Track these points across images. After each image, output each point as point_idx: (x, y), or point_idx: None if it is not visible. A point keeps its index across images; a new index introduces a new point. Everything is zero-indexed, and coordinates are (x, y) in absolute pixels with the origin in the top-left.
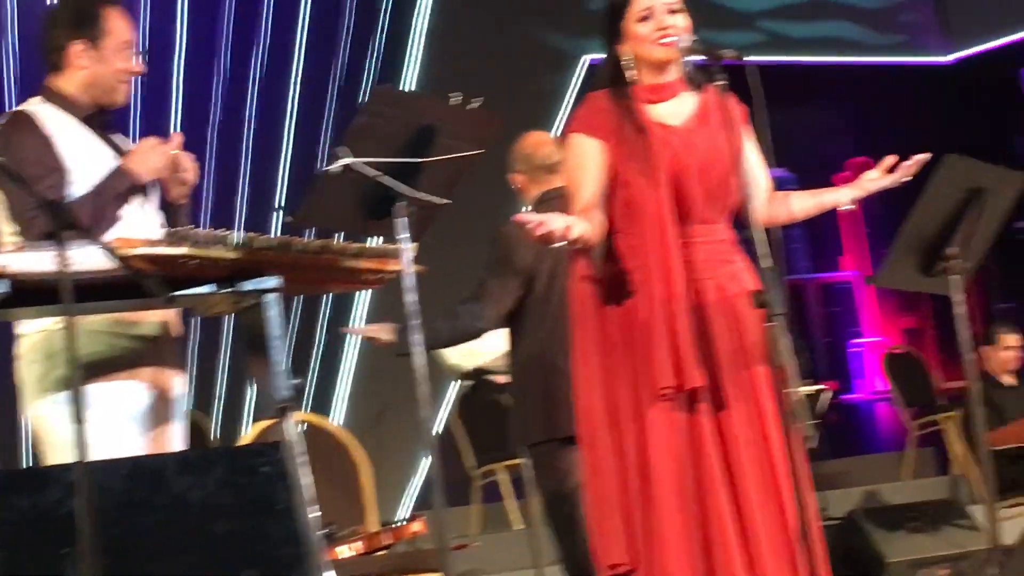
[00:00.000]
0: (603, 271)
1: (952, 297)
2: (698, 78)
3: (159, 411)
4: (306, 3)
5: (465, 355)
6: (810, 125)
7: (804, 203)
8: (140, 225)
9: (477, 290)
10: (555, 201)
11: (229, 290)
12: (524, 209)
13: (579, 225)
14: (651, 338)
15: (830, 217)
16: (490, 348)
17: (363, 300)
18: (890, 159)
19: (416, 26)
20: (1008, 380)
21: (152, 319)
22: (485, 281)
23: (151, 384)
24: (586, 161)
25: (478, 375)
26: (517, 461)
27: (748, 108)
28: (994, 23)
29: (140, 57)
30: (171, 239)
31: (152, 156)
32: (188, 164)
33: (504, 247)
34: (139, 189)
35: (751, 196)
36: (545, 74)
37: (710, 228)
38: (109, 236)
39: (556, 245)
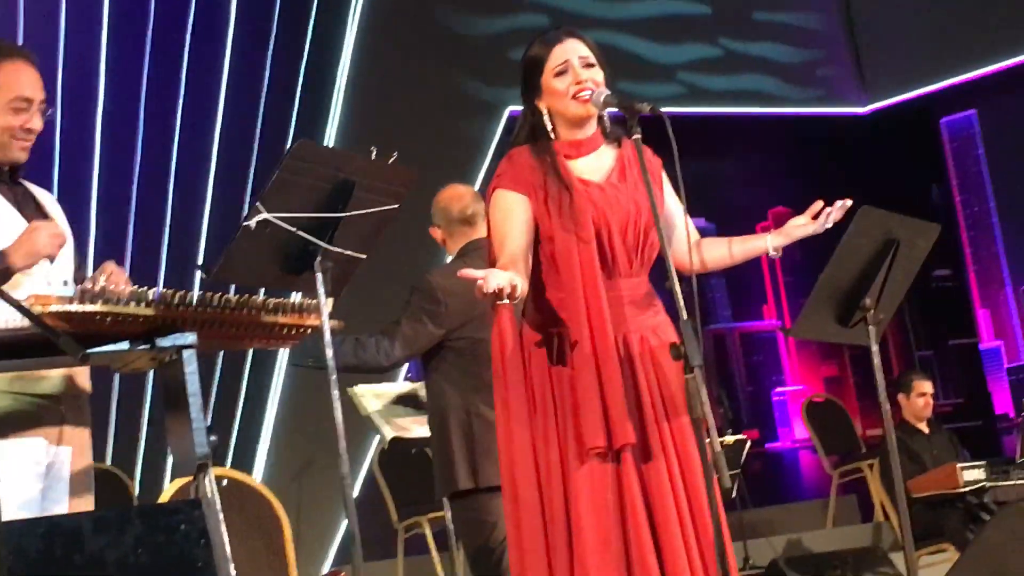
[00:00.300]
0: (528, 325)
1: (869, 347)
2: (615, 132)
3: (62, 469)
4: (228, 56)
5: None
6: (731, 175)
7: (732, 250)
8: (48, 280)
9: (390, 328)
10: (475, 253)
11: (145, 347)
12: (447, 260)
13: (520, 281)
14: (579, 394)
15: (751, 266)
16: (406, 410)
17: (284, 354)
18: (816, 205)
19: (338, 79)
20: (924, 427)
21: (55, 376)
22: (400, 322)
23: (54, 442)
24: (511, 215)
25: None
26: (440, 513)
27: (662, 160)
28: (909, 75)
29: (42, 114)
30: (86, 296)
31: (36, 240)
32: (118, 279)
33: (429, 296)
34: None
35: (673, 248)
36: (468, 124)
37: (633, 282)
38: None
39: (501, 302)
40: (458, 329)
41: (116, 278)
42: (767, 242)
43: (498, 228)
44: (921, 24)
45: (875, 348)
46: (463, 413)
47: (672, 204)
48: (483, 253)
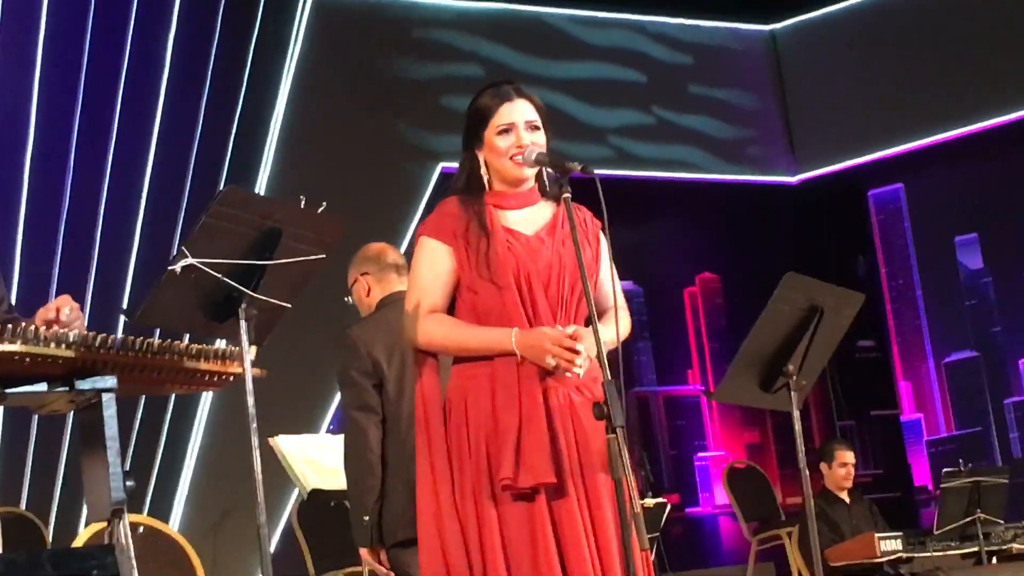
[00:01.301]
0: (452, 378)
1: (791, 413)
2: (554, 190)
3: None
4: (162, 97)
5: (324, 479)
6: (660, 240)
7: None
8: None
9: (348, 425)
10: (394, 305)
11: (64, 389)
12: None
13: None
14: (499, 433)
15: (677, 330)
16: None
17: (206, 402)
18: None
19: (272, 124)
20: (845, 496)
21: None
22: (348, 412)
23: None
24: (434, 264)
25: (321, 495)
26: (358, 568)
27: (602, 222)
28: (838, 146)
29: None
30: (4, 335)
31: None
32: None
33: (349, 348)
34: None
35: (601, 308)
36: (401, 175)
37: None
38: None
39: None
40: (386, 381)
41: (70, 317)
42: None
43: (420, 276)
44: (851, 98)
45: (796, 414)
46: (383, 466)
47: (604, 268)
48: (401, 304)
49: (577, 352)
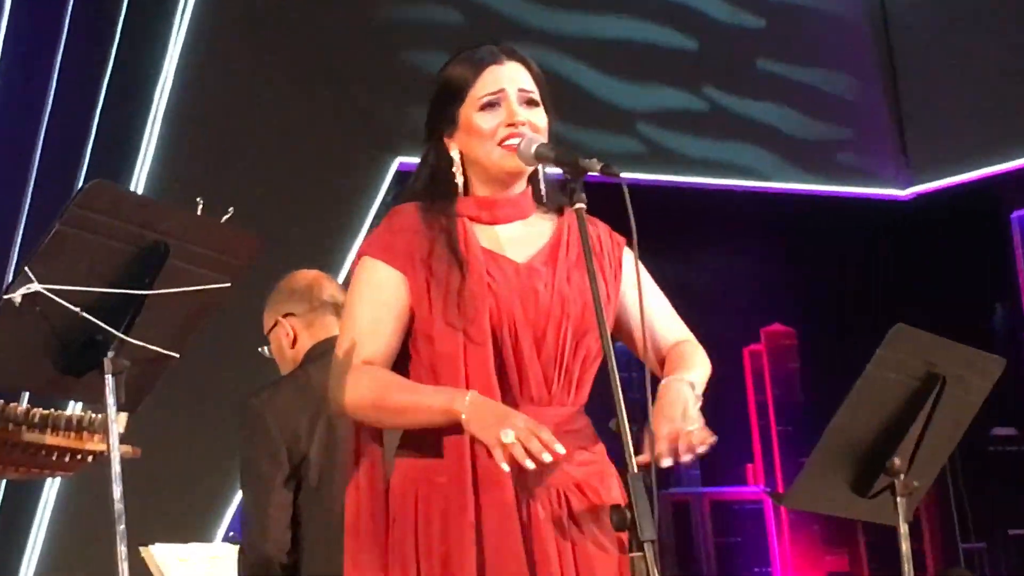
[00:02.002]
0: (397, 464)
1: (898, 527)
2: (555, 198)
3: None
4: None
5: None
6: (711, 276)
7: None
8: None
9: (245, 514)
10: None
11: None
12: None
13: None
14: (454, 571)
15: (733, 410)
16: None
17: (50, 491)
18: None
19: (155, 102)
20: None
21: None
22: (247, 493)
23: None
24: (380, 296)
25: None
26: None
27: (628, 238)
28: (968, 151)
29: None
30: None
31: None
32: None
33: (254, 427)
34: None
35: (659, 351)
36: (339, 179)
37: (551, 414)
38: None
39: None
40: (305, 464)
41: None
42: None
43: (358, 314)
44: (988, 84)
45: (904, 530)
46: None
47: (650, 298)
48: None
49: (551, 449)
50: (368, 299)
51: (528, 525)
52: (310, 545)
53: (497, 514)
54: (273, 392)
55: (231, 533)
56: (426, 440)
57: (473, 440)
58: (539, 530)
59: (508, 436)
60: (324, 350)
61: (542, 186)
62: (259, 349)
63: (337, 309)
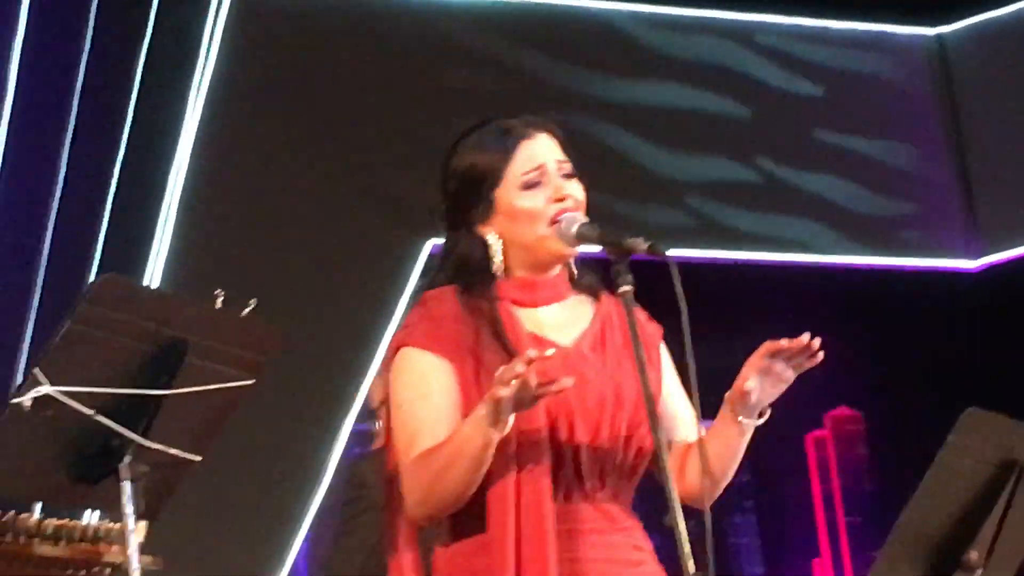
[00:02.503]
0: (439, 568)
1: None
2: (588, 280)
3: None
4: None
5: None
6: None
7: (712, 448)
8: None
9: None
10: None
11: None
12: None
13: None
14: None
15: (796, 501)
16: None
17: None
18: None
19: (170, 186)
20: None
21: None
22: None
23: None
24: (432, 387)
25: None
26: None
27: (663, 327)
28: None
29: None
30: None
31: None
32: None
33: (365, 493)
34: None
35: (678, 444)
36: (366, 265)
37: (604, 510)
38: None
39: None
40: None
41: None
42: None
43: (411, 408)
44: None
45: None
46: None
47: (676, 397)
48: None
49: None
50: (420, 392)
51: None
52: None
53: None
54: (381, 458)
55: None
56: (465, 539)
57: (517, 540)
58: None
59: (504, 392)
60: None
61: (572, 266)
62: (368, 423)
63: None
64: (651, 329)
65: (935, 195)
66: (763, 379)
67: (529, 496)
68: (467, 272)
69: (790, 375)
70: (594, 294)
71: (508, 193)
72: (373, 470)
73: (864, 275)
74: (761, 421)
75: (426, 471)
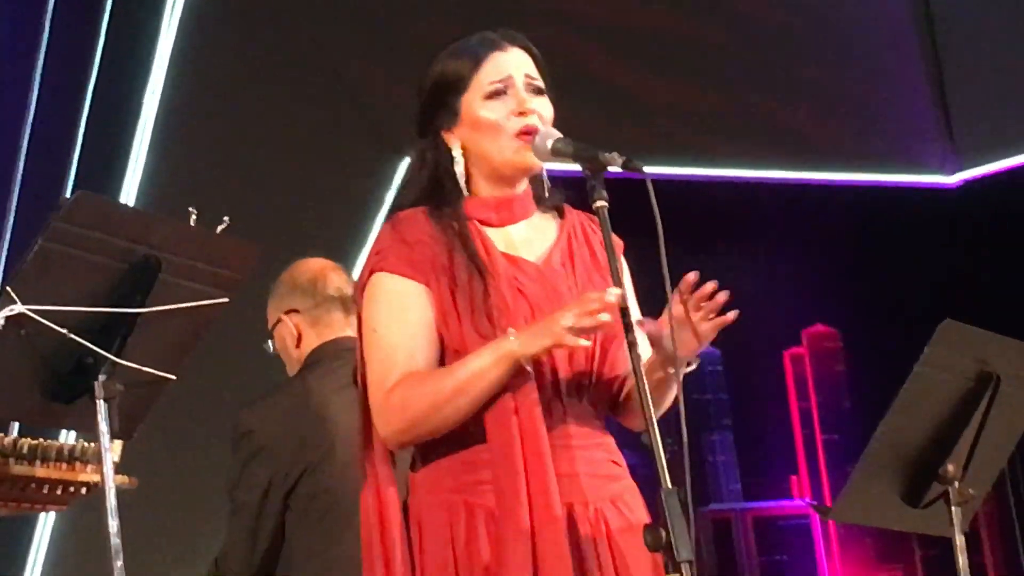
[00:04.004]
0: (419, 486)
1: (953, 539)
2: (555, 197)
3: None
4: None
5: None
6: (745, 276)
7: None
8: None
9: (230, 531)
10: (339, 361)
11: None
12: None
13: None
14: None
15: (774, 415)
16: None
17: (44, 528)
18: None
19: (144, 104)
20: None
21: None
22: (233, 509)
23: None
24: (408, 313)
25: None
26: None
27: (624, 243)
28: (1018, 133)
29: None
30: None
31: None
32: None
33: (244, 443)
34: None
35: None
36: (343, 181)
37: (582, 425)
38: None
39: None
40: (298, 482)
41: None
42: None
43: (386, 336)
44: None
45: (960, 541)
46: None
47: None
48: (350, 364)
49: (606, 306)
50: (395, 318)
51: (573, 545)
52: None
53: (546, 520)
54: (267, 404)
55: None
56: (454, 454)
57: (524, 454)
58: (583, 548)
59: (568, 319)
60: (325, 355)
61: (546, 184)
62: (263, 345)
63: (345, 304)
64: (616, 245)
65: (911, 111)
66: (680, 328)
67: (523, 411)
68: (435, 187)
69: (705, 328)
70: (558, 210)
71: (472, 101)
72: (257, 417)
73: (841, 192)
74: (688, 370)
75: (423, 398)
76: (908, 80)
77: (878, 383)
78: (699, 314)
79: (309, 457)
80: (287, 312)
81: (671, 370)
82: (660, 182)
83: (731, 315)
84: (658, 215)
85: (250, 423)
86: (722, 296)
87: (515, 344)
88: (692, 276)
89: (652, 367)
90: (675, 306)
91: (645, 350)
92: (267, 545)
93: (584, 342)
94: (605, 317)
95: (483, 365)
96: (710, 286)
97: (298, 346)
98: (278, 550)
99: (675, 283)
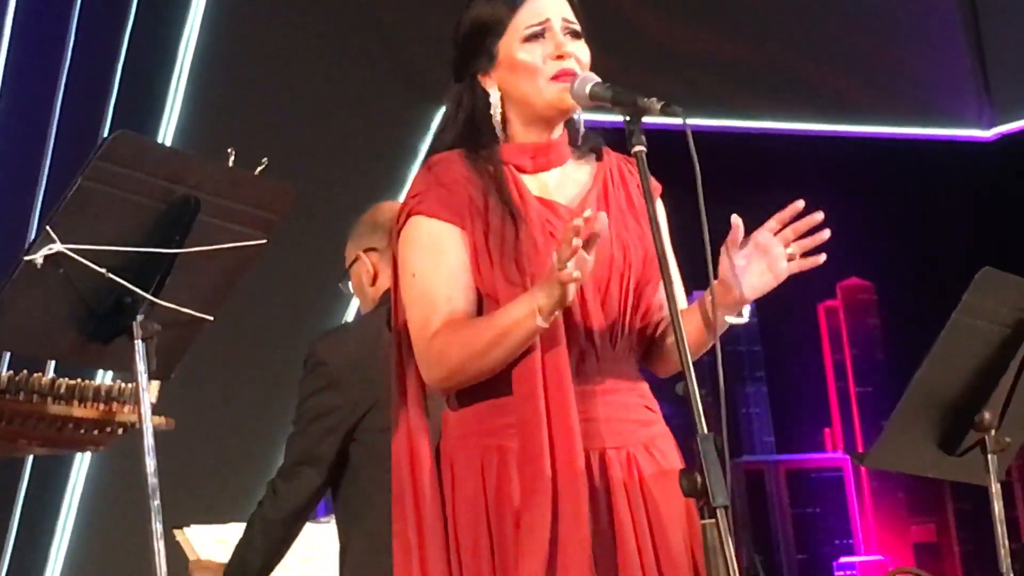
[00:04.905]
0: (451, 431)
1: (989, 487)
2: (592, 141)
3: None
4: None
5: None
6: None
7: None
8: None
9: (286, 454)
10: None
11: None
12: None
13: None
14: (521, 538)
15: (808, 367)
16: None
17: (81, 467)
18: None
19: (182, 49)
20: None
21: None
22: (292, 437)
23: None
24: (447, 256)
25: None
26: None
27: (661, 187)
28: None
29: None
30: None
31: None
32: None
33: (317, 375)
34: None
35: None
36: (379, 128)
37: (615, 371)
38: None
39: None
40: (367, 415)
41: None
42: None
43: (426, 277)
44: None
45: (996, 489)
46: (373, 554)
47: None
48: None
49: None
50: (434, 262)
51: (601, 487)
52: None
53: (567, 467)
54: (340, 338)
55: None
56: (485, 397)
57: (546, 399)
58: (610, 491)
59: (553, 258)
60: None
61: (580, 128)
62: (340, 285)
63: None
64: (654, 188)
65: (948, 66)
66: (753, 261)
67: (548, 357)
68: (471, 131)
69: (787, 267)
70: (596, 153)
71: (510, 45)
72: (330, 349)
73: (877, 146)
74: (741, 321)
75: (461, 348)
76: (945, 34)
77: (912, 336)
78: (793, 247)
79: (379, 392)
80: (366, 251)
81: (723, 317)
82: (695, 133)
83: (821, 257)
84: (696, 161)
85: (322, 355)
86: (825, 233)
87: (538, 299)
88: (738, 220)
89: (692, 313)
90: (761, 235)
91: (682, 300)
92: (324, 476)
93: (576, 273)
94: (577, 242)
95: (518, 316)
96: (818, 216)
97: (373, 284)
98: (335, 480)
99: (712, 232)
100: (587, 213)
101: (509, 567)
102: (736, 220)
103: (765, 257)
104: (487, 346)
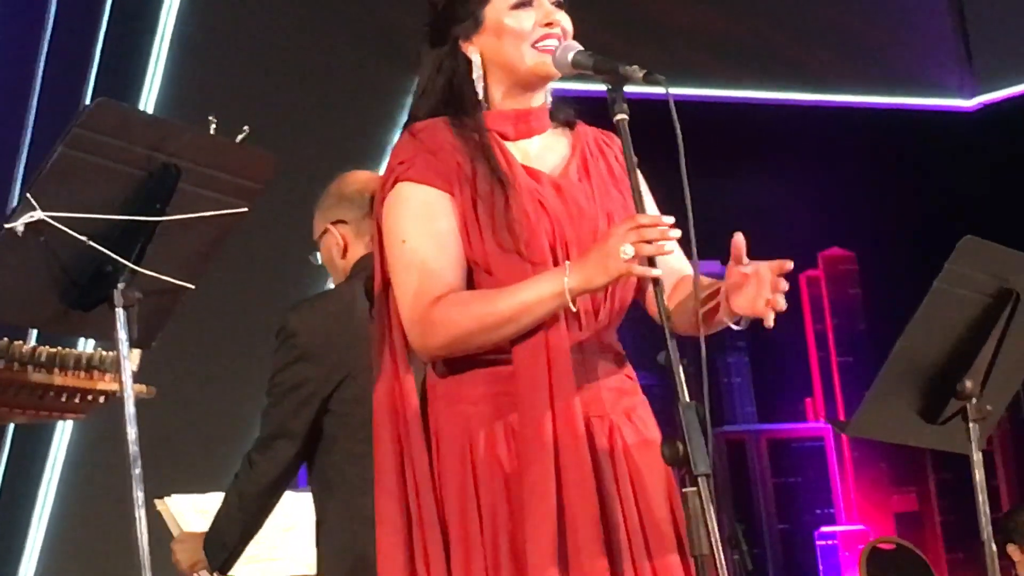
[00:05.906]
0: (439, 396)
1: (970, 456)
2: (564, 112)
3: None
4: None
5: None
6: (761, 197)
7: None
8: None
9: (261, 426)
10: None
11: None
12: (314, 261)
13: None
14: (527, 506)
15: (789, 340)
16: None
17: (62, 435)
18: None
19: (163, 16)
20: None
21: None
22: (267, 409)
23: None
24: (436, 224)
25: None
26: None
27: (639, 161)
28: None
29: None
30: None
31: None
32: None
33: (292, 342)
34: None
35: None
36: (363, 100)
37: (597, 341)
38: None
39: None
40: (340, 386)
41: None
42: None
43: (416, 245)
44: None
45: (977, 457)
46: (348, 524)
47: None
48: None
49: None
50: (424, 229)
51: (592, 457)
52: (341, 488)
53: (569, 433)
54: (313, 309)
55: None
56: (475, 367)
57: (548, 365)
58: (600, 462)
59: (628, 251)
60: (370, 264)
61: (548, 99)
62: (309, 257)
63: None
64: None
65: (931, 35)
66: (750, 284)
67: (550, 328)
68: (453, 97)
69: (759, 306)
70: (570, 125)
71: (497, 10)
72: (302, 320)
73: (859, 115)
74: (740, 327)
75: (471, 319)
76: (927, 4)
77: (893, 306)
78: (765, 289)
79: (351, 363)
80: (334, 223)
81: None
82: (677, 102)
83: (782, 304)
84: (679, 130)
85: (294, 326)
86: (784, 284)
87: (573, 281)
88: (739, 238)
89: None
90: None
91: (681, 262)
92: (299, 448)
93: (655, 272)
94: (674, 234)
95: (543, 294)
96: (788, 265)
97: (344, 256)
98: (310, 451)
99: (694, 203)
100: (669, 219)
101: (500, 528)
102: (737, 238)
103: (760, 288)
104: (502, 320)
